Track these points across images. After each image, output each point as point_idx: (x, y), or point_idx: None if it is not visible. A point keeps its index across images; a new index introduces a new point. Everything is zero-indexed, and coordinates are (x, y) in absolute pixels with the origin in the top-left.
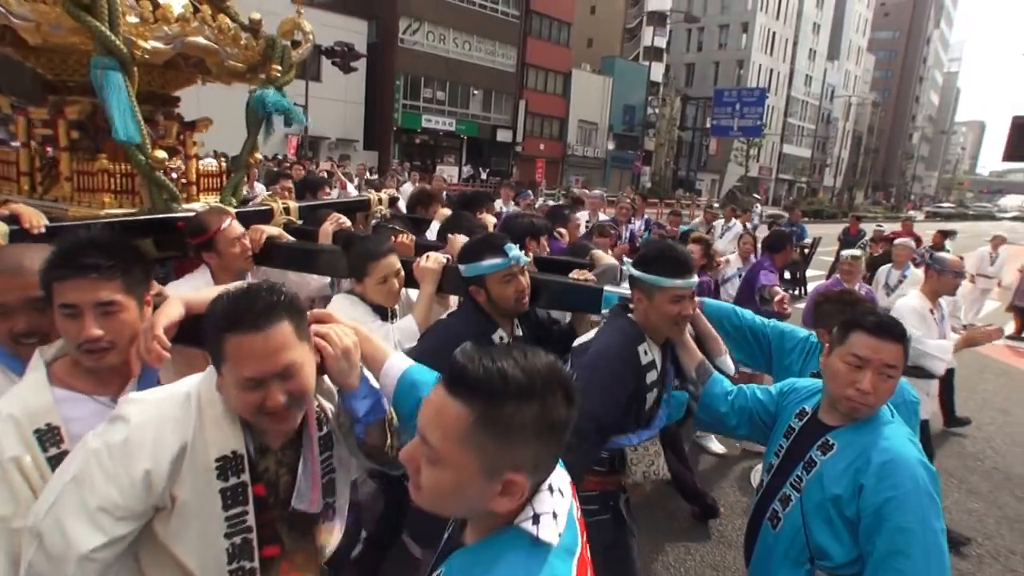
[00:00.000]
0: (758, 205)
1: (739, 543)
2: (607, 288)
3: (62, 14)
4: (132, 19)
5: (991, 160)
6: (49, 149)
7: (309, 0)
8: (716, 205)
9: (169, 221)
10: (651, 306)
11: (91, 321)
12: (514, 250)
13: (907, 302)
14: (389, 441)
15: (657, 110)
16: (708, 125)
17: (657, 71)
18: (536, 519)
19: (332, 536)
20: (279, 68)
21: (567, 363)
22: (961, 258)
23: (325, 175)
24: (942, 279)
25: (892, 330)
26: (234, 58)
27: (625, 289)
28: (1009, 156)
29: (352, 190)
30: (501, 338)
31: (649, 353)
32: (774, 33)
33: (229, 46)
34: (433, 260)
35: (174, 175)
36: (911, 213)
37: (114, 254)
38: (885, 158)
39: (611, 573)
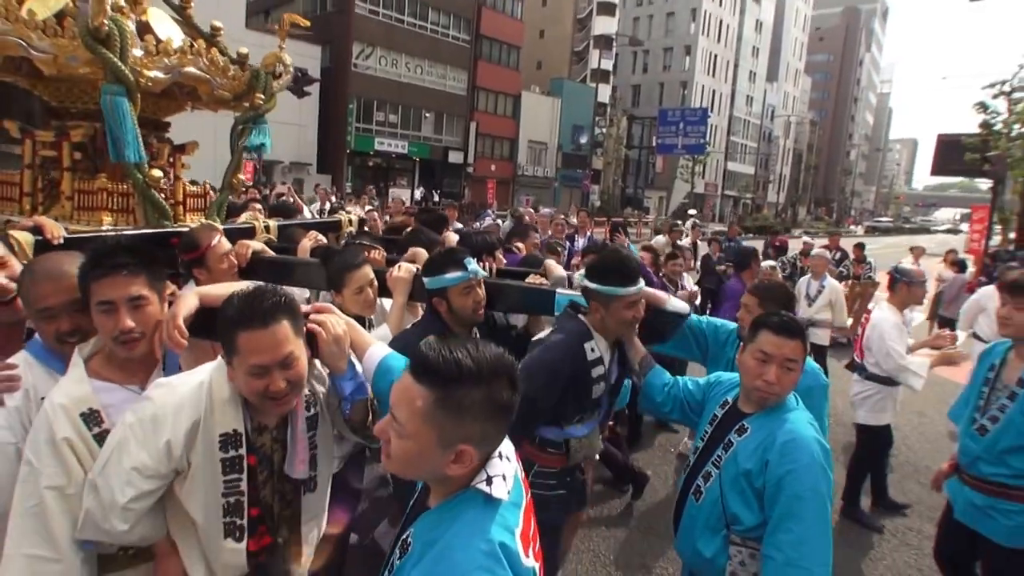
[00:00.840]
0: (693, 221)
1: (667, 534)
2: (559, 291)
3: (79, 47)
4: (137, 52)
5: (925, 175)
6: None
7: (263, 25)
8: (679, 223)
9: (163, 237)
10: (607, 313)
11: (125, 314)
12: (473, 264)
13: (886, 316)
14: (371, 418)
15: (605, 130)
16: (654, 143)
17: (604, 92)
18: (489, 481)
19: (316, 519)
20: (262, 97)
21: (529, 367)
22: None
23: (276, 199)
24: (911, 290)
25: (792, 329)
26: (223, 87)
27: (575, 292)
28: (937, 171)
29: (308, 213)
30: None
31: (596, 350)
32: (716, 56)
33: (219, 76)
34: (404, 270)
35: (163, 195)
36: (851, 227)
37: (138, 254)
38: (825, 174)
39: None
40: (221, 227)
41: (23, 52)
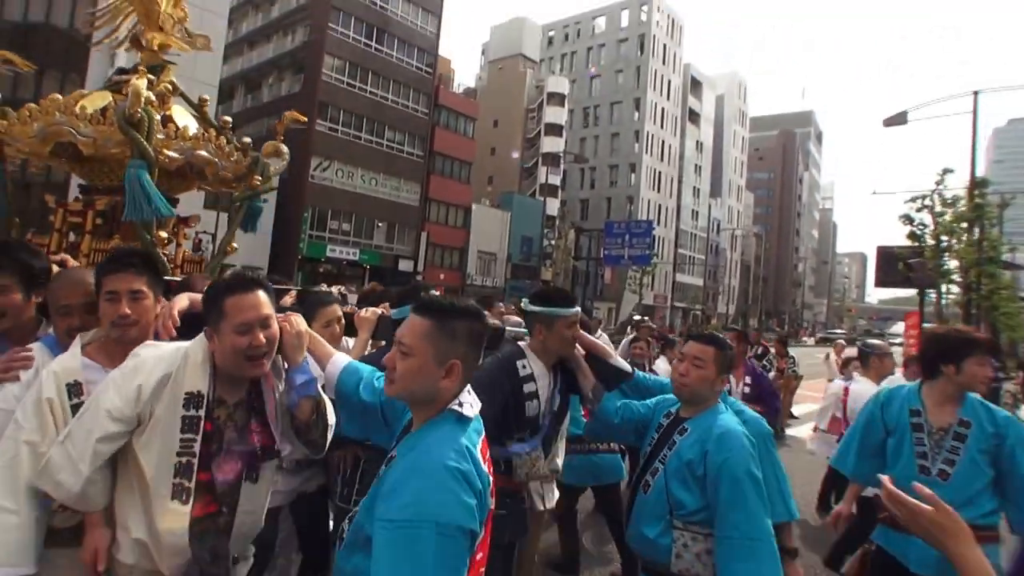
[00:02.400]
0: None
1: None
2: (508, 328)
3: (115, 131)
4: (159, 135)
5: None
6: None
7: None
8: (646, 319)
9: (165, 283)
10: (550, 334)
11: (125, 303)
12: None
13: (867, 388)
14: (318, 417)
15: (553, 242)
16: (602, 255)
17: (553, 206)
18: (460, 404)
19: (254, 515)
20: (259, 179)
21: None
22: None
23: None
24: (883, 361)
25: (703, 337)
26: (226, 169)
27: (517, 326)
28: (880, 283)
29: None
30: None
31: (528, 367)
32: (660, 173)
33: (224, 160)
34: (370, 312)
35: (166, 258)
36: (804, 339)
37: (144, 259)
38: (775, 286)
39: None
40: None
41: (71, 137)
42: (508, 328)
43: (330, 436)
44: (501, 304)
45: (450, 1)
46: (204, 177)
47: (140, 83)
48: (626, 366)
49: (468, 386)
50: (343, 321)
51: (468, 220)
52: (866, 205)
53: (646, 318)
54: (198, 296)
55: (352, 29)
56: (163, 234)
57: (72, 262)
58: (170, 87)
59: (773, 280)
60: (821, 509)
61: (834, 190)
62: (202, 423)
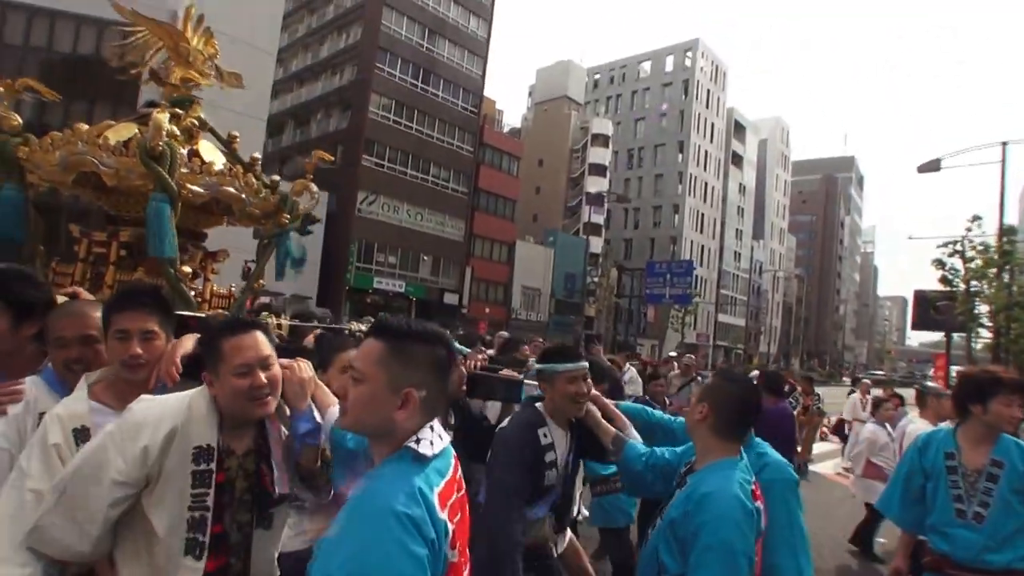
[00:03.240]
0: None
1: None
2: (525, 380)
3: (137, 163)
4: (184, 170)
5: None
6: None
7: (278, 172)
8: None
9: (184, 319)
10: (553, 390)
11: (136, 343)
12: (455, 344)
13: (923, 427)
14: (323, 464)
15: (596, 279)
16: (644, 294)
17: (596, 244)
18: (418, 441)
19: (267, 562)
20: (288, 217)
21: (492, 451)
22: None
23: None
24: (941, 402)
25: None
26: (254, 206)
27: (534, 382)
28: (916, 326)
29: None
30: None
31: (549, 436)
32: (703, 214)
33: (251, 196)
34: None
35: (193, 292)
36: (844, 379)
37: (156, 297)
38: (816, 328)
39: None
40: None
41: (94, 168)
42: (526, 383)
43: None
44: (526, 347)
45: (498, 44)
46: (231, 213)
47: (161, 117)
48: (636, 437)
49: (435, 421)
50: None
51: (512, 256)
52: (907, 249)
53: (691, 355)
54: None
55: (399, 69)
56: (187, 269)
57: (85, 295)
58: (197, 122)
59: (815, 322)
60: (856, 545)
61: (875, 234)
62: (214, 476)
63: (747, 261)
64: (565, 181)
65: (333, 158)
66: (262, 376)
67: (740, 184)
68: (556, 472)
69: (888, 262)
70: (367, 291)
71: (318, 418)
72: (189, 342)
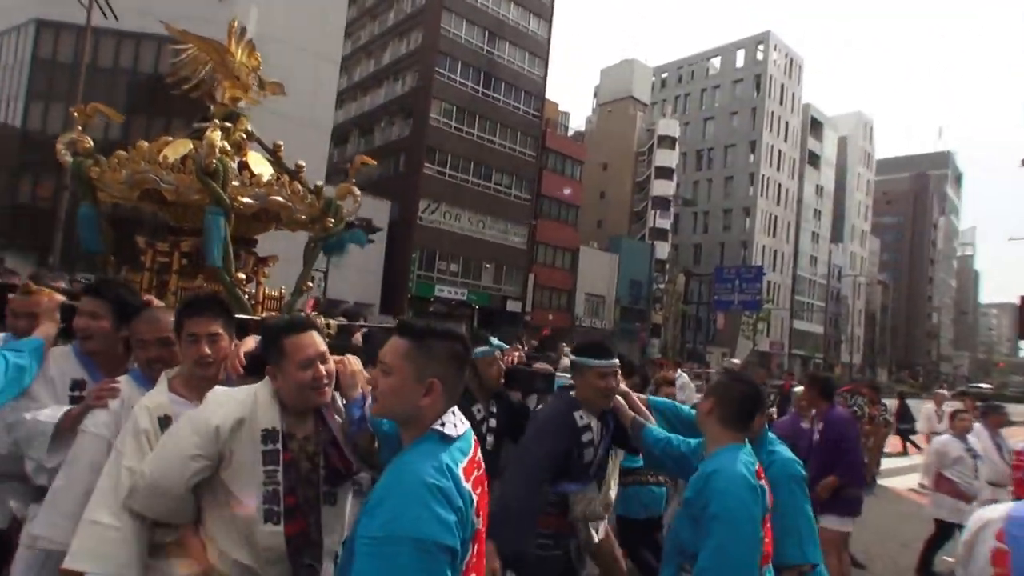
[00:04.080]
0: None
1: None
2: (558, 374)
3: (194, 180)
4: (235, 183)
5: None
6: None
7: (344, 182)
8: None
9: (240, 321)
10: (583, 382)
11: (204, 345)
12: (496, 341)
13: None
14: (376, 445)
15: (662, 286)
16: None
17: (662, 249)
18: (443, 424)
19: (335, 535)
20: (332, 221)
21: (527, 428)
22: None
23: None
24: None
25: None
26: (300, 212)
27: (567, 374)
28: (1022, 334)
29: None
30: (478, 411)
31: (585, 418)
32: (776, 217)
33: (298, 203)
34: None
35: (246, 295)
36: (942, 391)
37: (220, 304)
38: (905, 337)
39: None
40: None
41: (155, 184)
42: (559, 375)
43: None
44: (564, 345)
45: (560, 45)
46: (279, 220)
47: (214, 135)
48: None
49: (455, 408)
50: None
51: (576, 262)
52: (1016, 252)
53: (733, 362)
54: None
55: (459, 74)
56: (241, 275)
57: (157, 302)
58: (244, 135)
59: (903, 330)
60: (921, 572)
61: (975, 235)
62: (281, 454)
63: (825, 266)
64: (630, 185)
65: (375, 162)
66: (322, 369)
67: (817, 185)
68: (594, 451)
69: (992, 267)
70: (429, 299)
71: (367, 405)
72: (251, 342)
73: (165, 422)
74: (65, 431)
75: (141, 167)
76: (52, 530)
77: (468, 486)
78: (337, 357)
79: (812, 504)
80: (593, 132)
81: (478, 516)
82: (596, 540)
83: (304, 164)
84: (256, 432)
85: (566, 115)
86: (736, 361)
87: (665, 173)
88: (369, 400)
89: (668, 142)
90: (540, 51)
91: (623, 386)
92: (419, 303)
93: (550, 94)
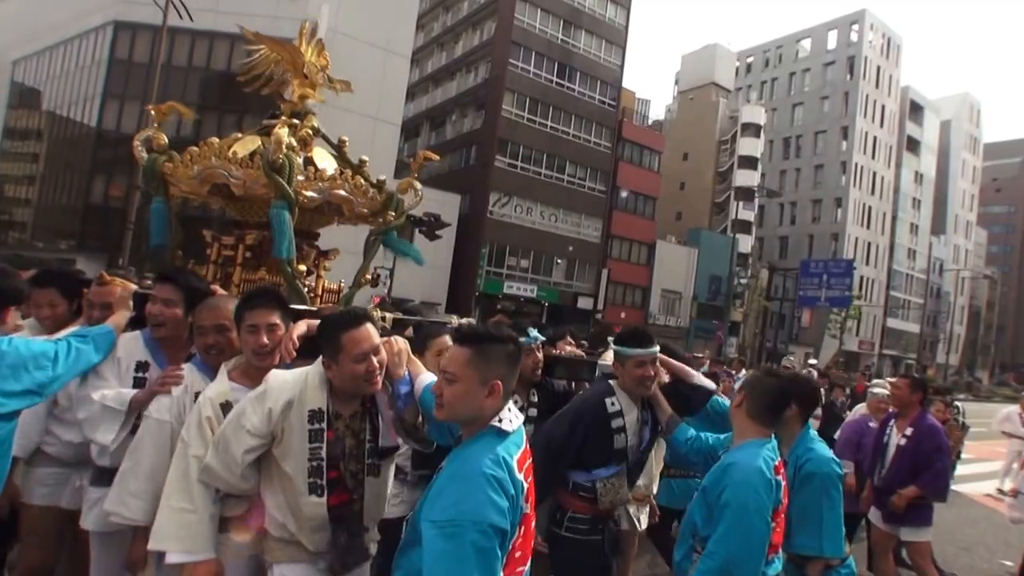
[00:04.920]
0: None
1: None
2: (599, 362)
3: (260, 175)
4: (299, 177)
5: None
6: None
7: (415, 176)
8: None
9: (297, 313)
10: (623, 370)
11: (264, 335)
12: (534, 332)
13: None
14: (420, 420)
15: (744, 281)
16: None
17: (745, 243)
18: (500, 420)
19: (377, 501)
20: (393, 215)
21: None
22: None
23: None
24: None
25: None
26: (362, 206)
27: (609, 362)
28: None
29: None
30: (515, 401)
31: (616, 404)
32: (870, 208)
33: (360, 197)
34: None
35: (307, 288)
36: None
37: (277, 296)
38: (1013, 336)
39: None
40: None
41: (224, 179)
42: (600, 364)
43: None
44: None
45: (640, 32)
46: (341, 213)
47: (282, 132)
48: (708, 384)
49: (510, 402)
50: None
51: (652, 257)
52: None
53: (811, 364)
54: (313, 322)
55: (533, 64)
56: (302, 267)
57: (220, 291)
58: (311, 132)
59: (1012, 328)
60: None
61: None
62: (325, 433)
63: (924, 259)
64: (712, 175)
65: (439, 158)
66: (375, 361)
67: (916, 172)
68: (626, 437)
69: None
70: (497, 296)
71: (411, 383)
72: (303, 326)
73: (226, 408)
74: (130, 416)
75: (211, 162)
76: (122, 507)
77: (520, 476)
78: (384, 338)
79: (890, 515)
80: (673, 121)
81: (527, 502)
82: (641, 528)
83: (367, 159)
84: (304, 413)
85: (646, 103)
86: (814, 362)
87: (749, 162)
88: (410, 378)
89: (752, 130)
90: (617, 39)
91: (664, 376)
92: (487, 300)
93: (628, 83)
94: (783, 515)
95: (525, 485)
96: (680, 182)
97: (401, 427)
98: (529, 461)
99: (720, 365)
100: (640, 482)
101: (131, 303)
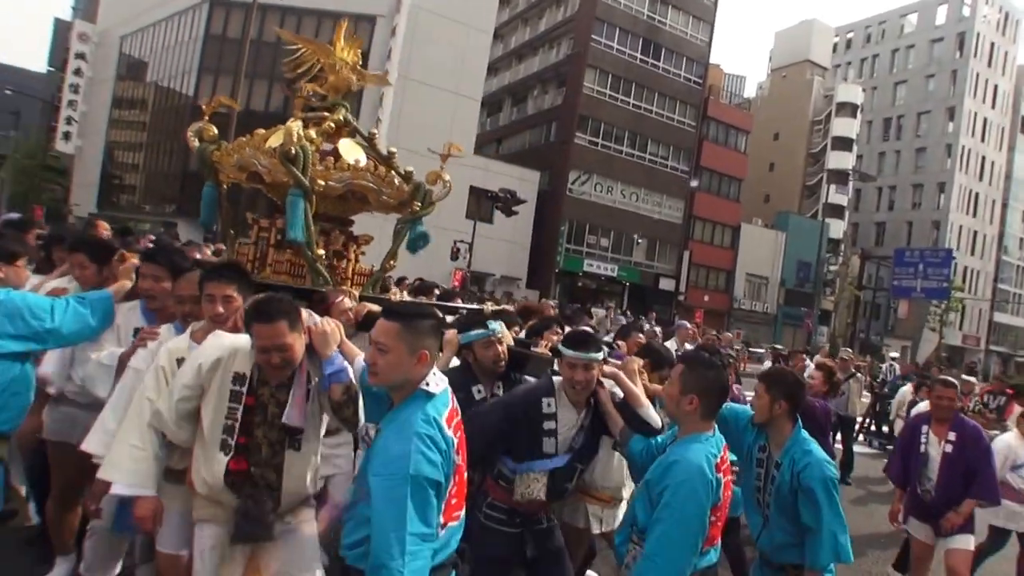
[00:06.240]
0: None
1: None
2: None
3: (281, 164)
4: (320, 167)
5: None
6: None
7: (495, 152)
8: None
9: (310, 292)
10: (561, 369)
11: (219, 304)
12: (495, 324)
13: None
14: (349, 399)
15: (834, 267)
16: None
17: (837, 228)
18: (427, 384)
19: (298, 481)
20: (419, 204)
21: None
22: None
23: None
24: None
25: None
26: (388, 196)
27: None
28: None
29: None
30: (479, 391)
31: (552, 406)
32: (977, 194)
33: (385, 187)
34: (452, 334)
35: (337, 271)
36: None
37: (236, 270)
38: None
39: None
40: (356, 294)
41: (255, 167)
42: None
43: (362, 416)
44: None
45: (733, 8)
46: (367, 202)
47: (294, 125)
48: (655, 420)
49: (435, 368)
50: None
51: (737, 240)
52: None
53: (891, 357)
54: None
55: (616, 40)
56: (321, 251)
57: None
58: (334, 125)
59: None
60: None
61: None
62: (243, 397)
63: None
64: (804, 157)
65: (462, 150)
66: (276, 358)
67: None
68: (555, 442)
69: None
70: (577, 274)
71: (341, 363)
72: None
73: (180, 363)
74: (120, 370)
75: (247, 152)
76: (99, 447)
77: (450, 432)
78: (316, 319)
79: (937, 527)
80: (763, 99)
81: (458, 454)
82: (598, 531)
83: (395, 150)
84: (229, 374)
85: (739, 80)
86: (895, 355)
87: (843, 144)
88: (345, 364)
89: (848, 109)
90: (706, 15)
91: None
92: (567, 278)
93: (720, 60)
94: (724, 510)
95: (455, 440)
96: (769, 163)
97: (329, 404)
98: (458, 418)
99: (798, 355)
100: (607, 485)
101: (133, 275)
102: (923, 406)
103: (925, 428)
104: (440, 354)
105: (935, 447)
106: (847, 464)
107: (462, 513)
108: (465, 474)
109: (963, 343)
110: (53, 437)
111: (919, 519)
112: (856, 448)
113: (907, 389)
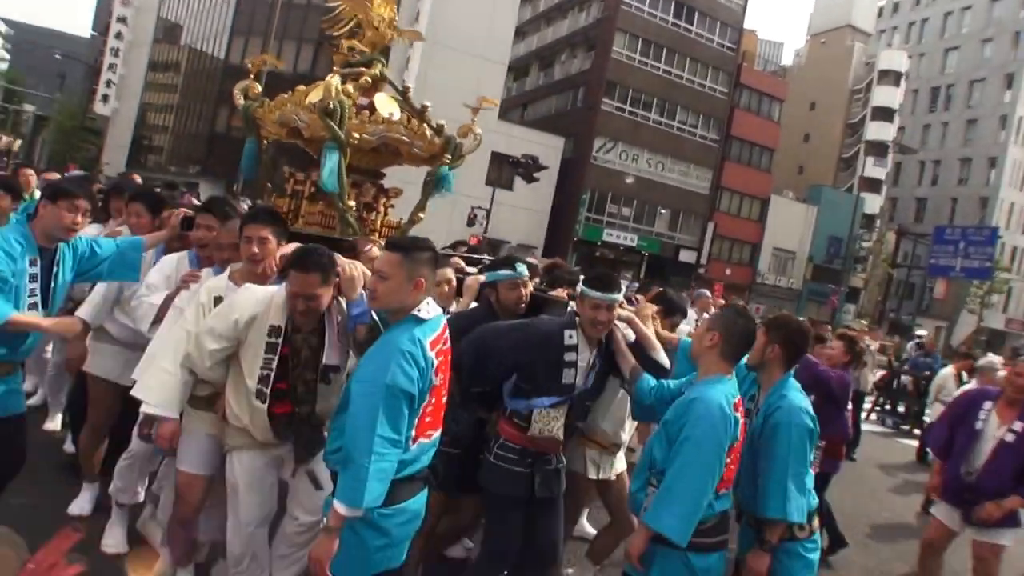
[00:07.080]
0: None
1: None
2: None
3: (319, 119)
4: (354, 121)
5: None
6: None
7: (519, 117)
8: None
9: (341, 242)
10: (581, 309)
11: (255, 245)
12: (521, 267)
13: None
14: (372, 339)
15: (868, 244)
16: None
17: (873, 203)
18: (419, 310)
19: (328, 404)
20: (449, 157)
21: None
22: None
23: None
24: None
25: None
26: (420, 148)
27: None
28: None
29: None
30: None
31: (574, 338)
32: None
33: (417, 140)
34: (474, 280)
35: (367, 222)
36: None
37: (272, 215)
38: None
39: (530, 523)
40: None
41: (295, 123)
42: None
43: None
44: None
45: None
46: (399, 155)
47: (333, 80)
48: (665, 361)
49: (429, 297)
50: (454, 283)
51: (765, 213)
52: None
53: (920, 336)
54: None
55: (648, 3)
56: (351, 203)
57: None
58: (370, 80)
59: None
60: None
61: None
62: (279, 348)
63: None
64: (841, 128)
65: (496, 103)
66: (303, 305)
67: None
68: (575, 373)
69: None
70: (596, 243)
71: (366, 305)
72: (291, 248)
73: (218, 302)
74: (164, 309)
75: (287, 109)
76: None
77: (432, 354)
78: (342, 262)
79: (967, 515)
80: (800, 67)
81: (437, 375)
82: (594, 477)
83: (429, 104)
84: (265, 327)
85: (776, 46)
86: (923, 332)
87: (884, 114)
88: (365, 300)
89: (891, 77)
90: None
91: (629, 315)
92: (585, 247)
93: (756, 26)
94: (738, 452)
95: (435, 361)
96: (804, 133)
97: (353, 344)
98: (443, 345)
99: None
100: (606, 428)
101: (178, 227)
102: (971, 386)
103: (988, 405)
104: (461, 298)
105: (993, 428)
106: (854, 439)
107: (436, 433)
108: (444, 397)
109: (1006, 327)
110: (95, 371)
111: (950, 502)
112: (867, 427)
113: (948, 372)
